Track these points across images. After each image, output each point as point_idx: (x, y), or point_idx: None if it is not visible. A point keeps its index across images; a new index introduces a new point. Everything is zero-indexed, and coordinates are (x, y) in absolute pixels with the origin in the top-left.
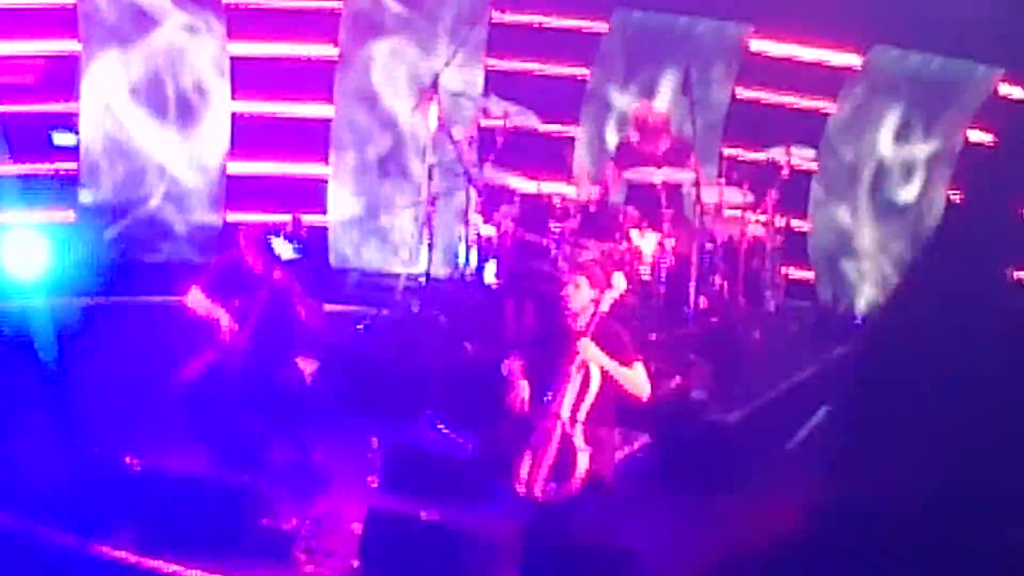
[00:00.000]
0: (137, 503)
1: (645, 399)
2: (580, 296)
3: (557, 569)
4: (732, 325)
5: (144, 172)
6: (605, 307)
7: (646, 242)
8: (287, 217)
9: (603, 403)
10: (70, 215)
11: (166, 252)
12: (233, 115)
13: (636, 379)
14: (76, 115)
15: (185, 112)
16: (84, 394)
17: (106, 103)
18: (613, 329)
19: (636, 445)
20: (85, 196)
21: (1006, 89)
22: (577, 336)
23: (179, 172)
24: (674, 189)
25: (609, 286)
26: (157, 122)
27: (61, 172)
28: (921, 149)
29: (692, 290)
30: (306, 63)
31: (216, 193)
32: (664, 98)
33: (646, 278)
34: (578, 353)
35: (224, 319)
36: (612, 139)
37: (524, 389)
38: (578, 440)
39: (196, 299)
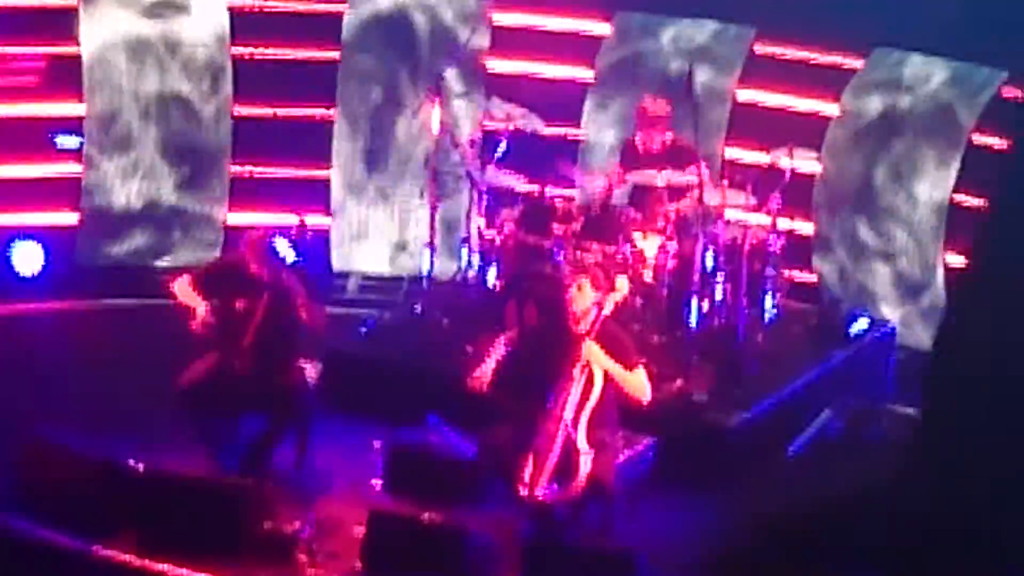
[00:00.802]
0: (139, 506)
1: (646, 404)
2: (582, 298)
3: (558, 571)
4: (734, 328)
5: (142, 132)
6: (608, 310)
7: (648, 244)
8: (291, 219)
9: (606, 406)
10: (73, 218)
11: (169, 256)
12: (236, 118)
13: (638, 383)
14: (79, 117)
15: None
16: (86, 396)
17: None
18: (616, 332)
19: (637, 447)
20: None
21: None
22: (580, 338)
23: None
24: (677, 191)
25: (612, 288)
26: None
27: (64, 175)
28: (924, 152)
29: (694, 293)
30: (309, 64)
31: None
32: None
33: (648, 280)
34: (581, 355)
35: (201, 309)
36: (616, 140)
37: (487, 373)
38: (581, 443)
39: (181, 286)
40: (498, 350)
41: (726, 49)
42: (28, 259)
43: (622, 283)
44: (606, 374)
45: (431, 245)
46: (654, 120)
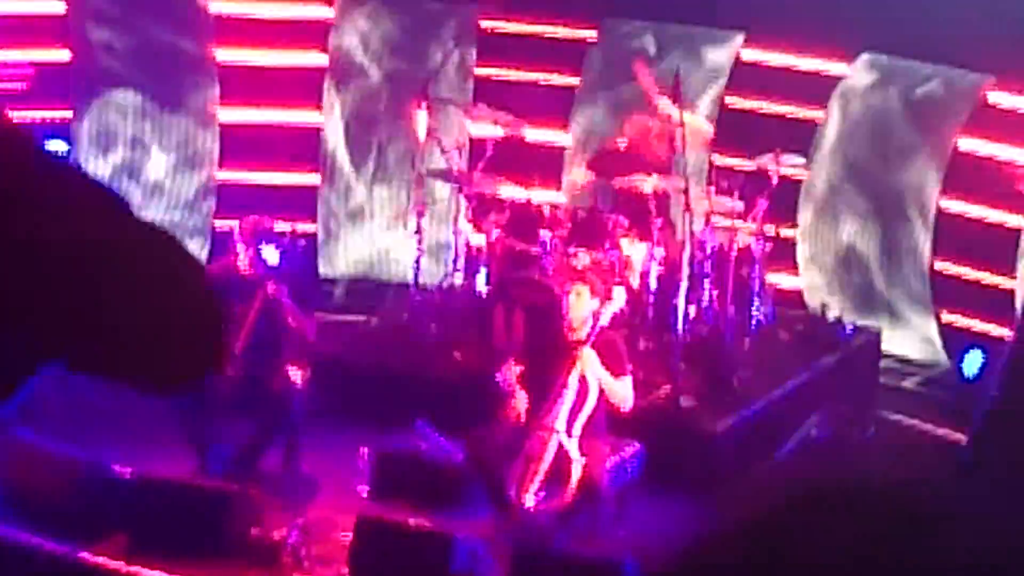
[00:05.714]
0: (126, 510)
1: (626, 412)
2: (580, 306)
3: None
4: (721, 334)
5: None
6: (606, 320)
7: (636, 250)
8: (283, 225)
9: (597, 414)
10: None
11: None
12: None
13: (623, 392)
14: (68, 123)
15: None
16: (73, 400)
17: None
18: (611, 340)
19: (625, 453)
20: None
21: (996, 97)
22: (573, 346)
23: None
24: (664, 197)
25: (609, 297)
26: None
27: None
28: (910, 157)
29: (681, 298)
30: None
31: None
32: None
33: (635, 286)
34: (575, 364)
35: None
36: (598, 145)
37: (522, 400)
38: (573, 451)
39: None
40: (515, 377)
41: (713, 55)
42: None
43: (619, 294)
44: (599, 382)
45: (418, 251)
46: (648, 138)
